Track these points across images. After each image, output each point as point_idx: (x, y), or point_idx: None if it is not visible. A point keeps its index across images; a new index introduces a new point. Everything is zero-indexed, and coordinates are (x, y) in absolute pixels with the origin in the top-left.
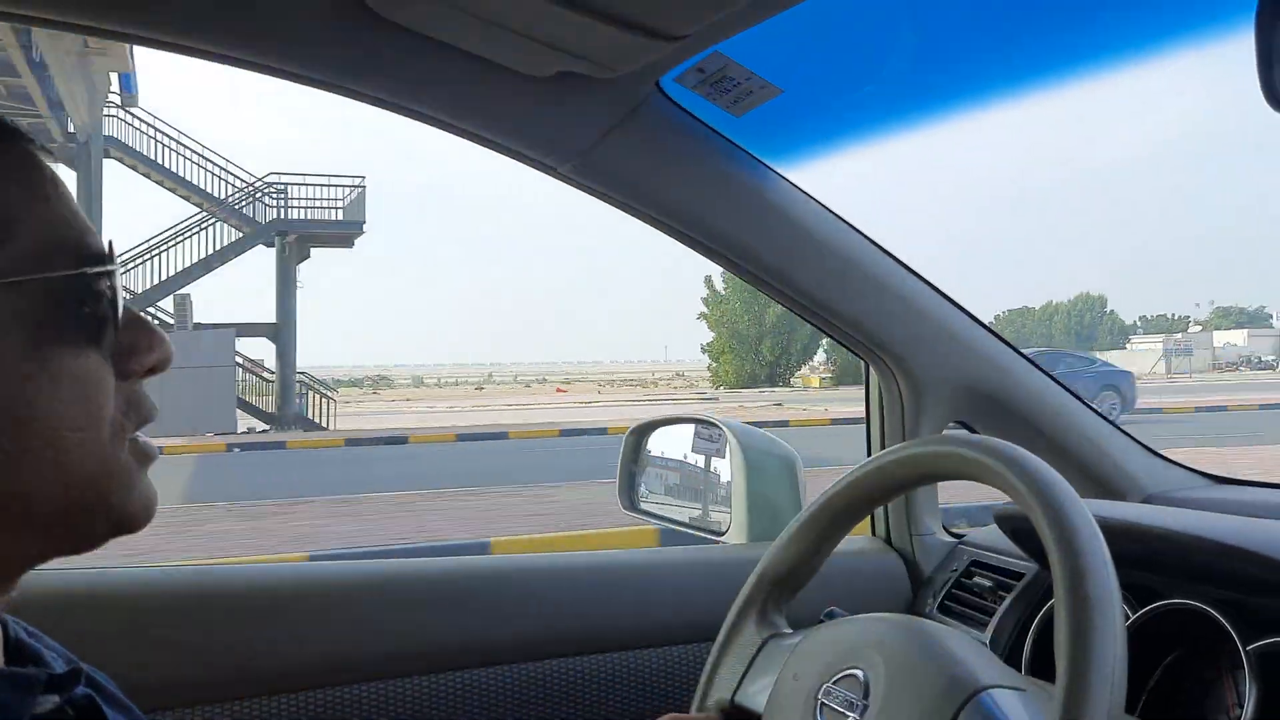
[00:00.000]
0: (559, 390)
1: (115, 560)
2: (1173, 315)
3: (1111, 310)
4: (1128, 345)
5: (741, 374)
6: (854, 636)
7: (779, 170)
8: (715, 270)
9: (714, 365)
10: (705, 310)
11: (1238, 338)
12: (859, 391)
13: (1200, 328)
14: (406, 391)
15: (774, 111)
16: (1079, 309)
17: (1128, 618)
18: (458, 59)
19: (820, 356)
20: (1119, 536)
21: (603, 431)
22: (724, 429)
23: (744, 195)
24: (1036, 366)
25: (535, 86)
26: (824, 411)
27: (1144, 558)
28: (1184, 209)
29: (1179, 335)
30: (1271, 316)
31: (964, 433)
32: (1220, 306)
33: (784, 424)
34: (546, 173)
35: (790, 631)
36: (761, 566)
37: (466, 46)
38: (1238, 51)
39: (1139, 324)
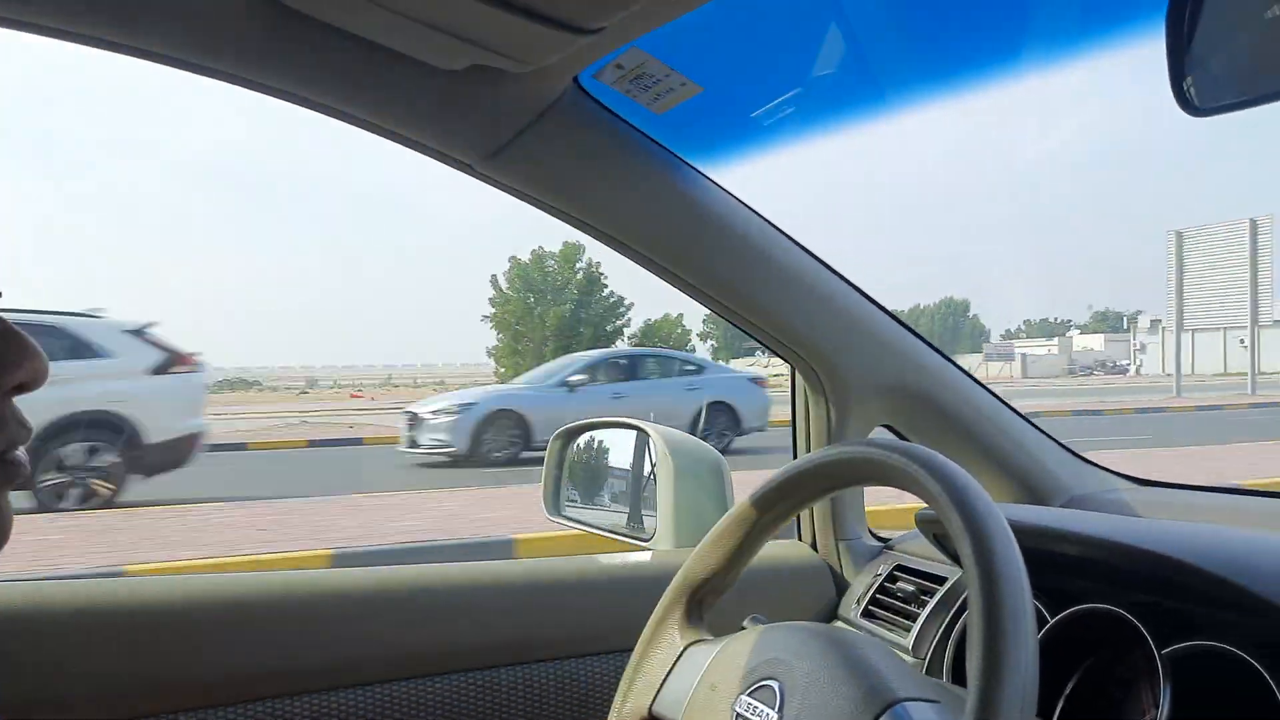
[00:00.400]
0: (353, 395)
1: None
2: (1055, 319)
3: (974, 315)
4: (983, 349)
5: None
6: (773, 646)
7: (703, 170)
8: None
9: (499, 369)
10: (491, 311)
11: (1095, 342)
12: None
13: (1078, 331)
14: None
15: (697, 110)
16: (943, 313)
17: (1047, 621)
18: (364, 50)
19: None
20: (1037, 541)
21: (358, 442)
22: (651, 433)
23: (666, 195)
24: (963, 371)
25: (447, 80)
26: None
27: (1063, 562)
28: (1074, 217)
29: (998, 340)
30: (1138, 319)
31: (885, 437)
32: (1097, 311)
33: None
34: (460, 169)
35: (710, 639)
36: (682, 574)
37: (373, 38)
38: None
39: (1023, 328)
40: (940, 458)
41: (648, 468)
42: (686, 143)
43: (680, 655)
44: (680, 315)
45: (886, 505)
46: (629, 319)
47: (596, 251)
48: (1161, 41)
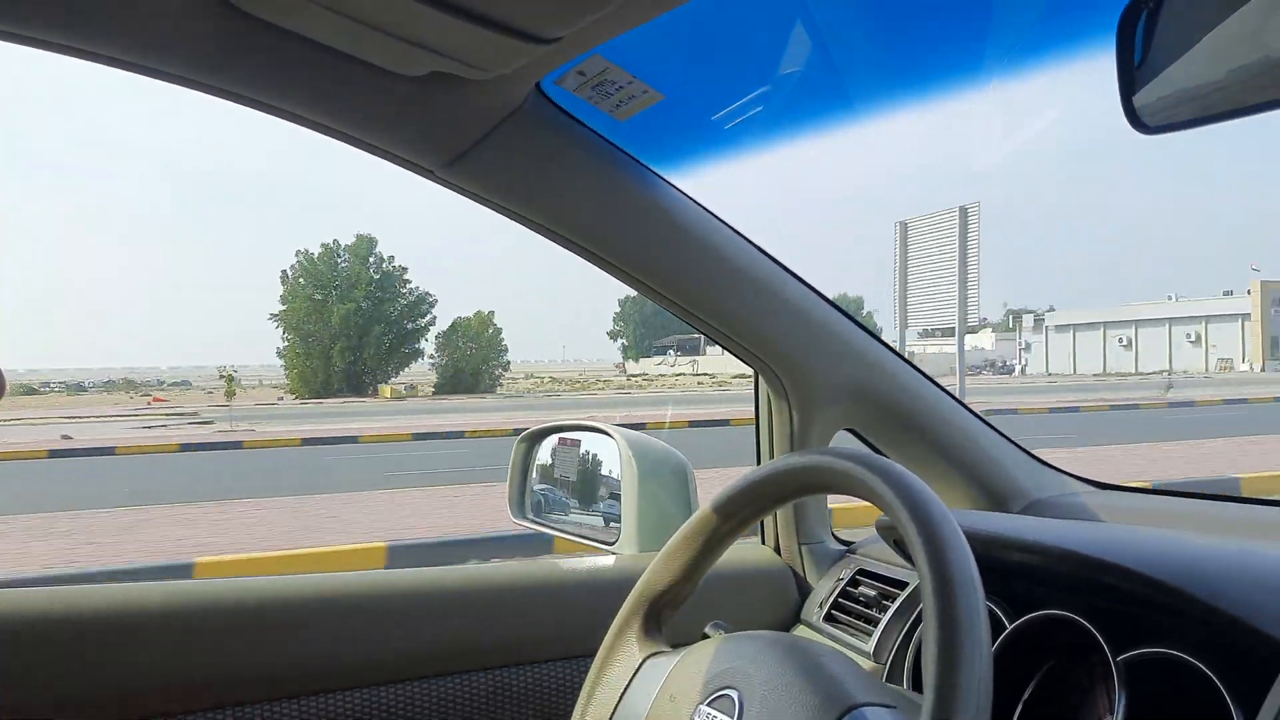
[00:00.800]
0: (156, 399)
1: None
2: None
3: (868, 312)
4: None
5: (312, 381)
6: (731, 655)
7: (666, 176)
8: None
9: (288, 373)
10: (281, 309)
11: (986, 341)
12: (441, 403)
13: (990, 329)
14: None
15: (660, 116)
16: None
17: (1005, 627)
18: (322, 55)
19: (423, 364)
20: (995, 549)
21: (110, 452)
22: (615, 437)
23: (629, 201)
24: (925, 376)
25: (407, 85)
26: (290, 432)
27: (1021, 568)
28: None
29: (891, 340)
30: (1023, 318)
31: (844, 446)
32: (1011, 309)
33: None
34: (422, 174)
35: (670, 650)
36: (640, 586)
37: (331, 43)
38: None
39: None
40: (897, 468)
41: (612, 471)
42: (650, 148)
43: (639, 667)
44: (492, 313)
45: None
46: (433, 317)
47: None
48: (1112, 58)
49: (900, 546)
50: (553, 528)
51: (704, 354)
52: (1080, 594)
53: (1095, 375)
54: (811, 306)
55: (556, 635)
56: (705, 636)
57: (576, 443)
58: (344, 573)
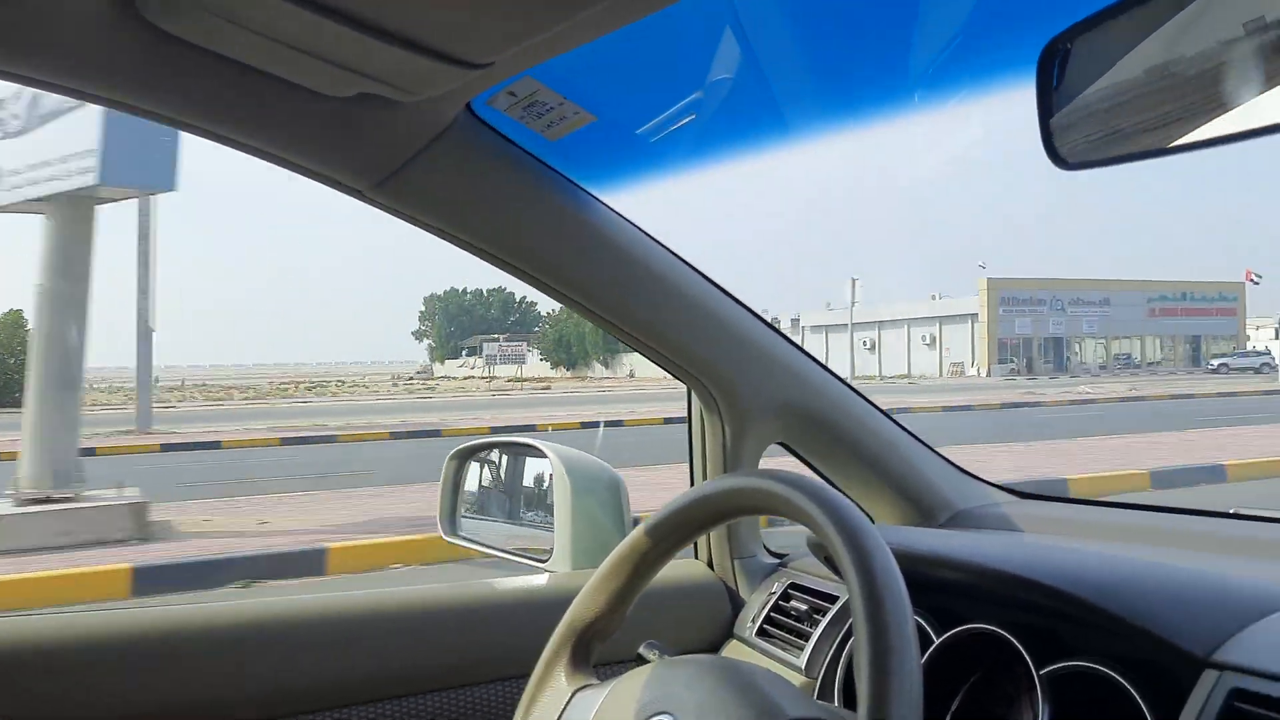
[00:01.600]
0: None
1: None
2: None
3: None
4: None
5: None
6: (664, 681)
7: (598, 195)
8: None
9: None
10: None
11: None
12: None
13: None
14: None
15: (592, 136)
16: None
17: (933, 641)
18: (247, 76)
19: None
20: (921, 565)
21: None
22: (548, 452)
23: (561, 219)
24: (854, 391)
25: (334, 106)
26: None
27: (947, 584)
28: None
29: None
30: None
31: (774, 469)
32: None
33: None
34: (351, 195)
35: (598, 683)
36: (569, 616)
37: (255, 64)
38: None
39: None
40: (827, 490)
41: (544, 487)
42: (582, 167)
43: (569, 702)
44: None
45: None
46: None
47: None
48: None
49: (831, 562)
50: (484, 546)
51: (493, 357)
52: (1005, 608)
53: (855, 379)
54: (743, 322)
55: (491, 657)
56: (639, 657)
57: (509, 459)
58: (271, 598)
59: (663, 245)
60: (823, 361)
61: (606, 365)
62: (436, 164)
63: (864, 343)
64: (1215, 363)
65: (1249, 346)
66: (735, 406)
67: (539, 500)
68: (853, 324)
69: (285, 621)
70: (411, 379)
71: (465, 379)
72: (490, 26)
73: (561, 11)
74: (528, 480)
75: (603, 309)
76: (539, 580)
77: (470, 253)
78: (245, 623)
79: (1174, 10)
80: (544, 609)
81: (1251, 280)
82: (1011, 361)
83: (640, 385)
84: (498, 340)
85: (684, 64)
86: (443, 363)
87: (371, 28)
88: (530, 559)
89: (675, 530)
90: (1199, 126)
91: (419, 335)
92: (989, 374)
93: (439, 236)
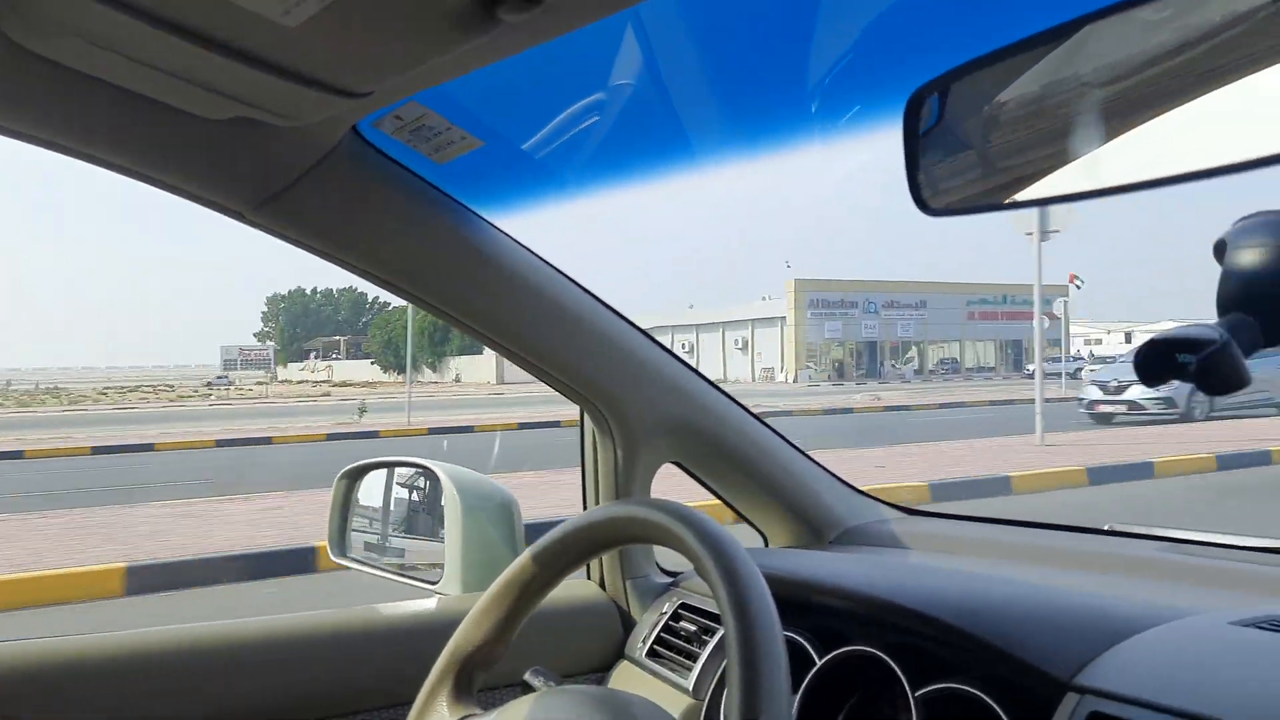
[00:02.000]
0: None
1: None
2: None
3: None
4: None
5: None
6: (545, 710)
7: (490, 218)
8: None
9: None
10: None
11: None
12: None
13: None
14: None
15: (484, 159)
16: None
17: (815, 663)
18: (121, 98)
19: None
20: (802, 590)
21: None
22: (438, 472)
23: (451, 242)
24: (744, 408)
25: (211, 129)
26: None
27: (830, 607)
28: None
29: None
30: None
31: (653, 498)
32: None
33: None
34: (231, 216)
35: (481, 713)
36: (452, 644)
37: (128, 86)
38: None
39: None
40: (702, 517)
41: (436, 508)
42: (472, 190)
43: None
44: None
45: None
46: None
47: None
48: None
49: None
50: (374, 567)
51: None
52: (885, 630)
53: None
54: (634, 343)
55: (379, 684)
56: (524, 683)
57: (400, 479)
58: (154, 628)
59: (554, 267)
60: (714, 380)
61: (434, 369)
62: (320, 186)
63: (683, 345)
64: (1031, 368)
65: (1073, 352)
66: (627, 427)
67: (430, 521)
68: (674, 327)
69: (167, 650)
70: (210, 385)
71: (299, 383)
72: (368, 57)
73: (440, 45)
74: (418, 500)
75: (491, 330)
76: (428, 604)
77: (356, 274)
78: (127, 653)
79: (1033, 63)
80: (432, 634)
81: (1075, 284)
82: (809, 367)
83: (464, 391)
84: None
85: (573, 89)
86: (285, 365)
87: (246, 56)
88: (420, 581)
89: (559, 557)
90: (1059, 179)
91: (261, 337)
92: (795, 379)
93: (323, 259)
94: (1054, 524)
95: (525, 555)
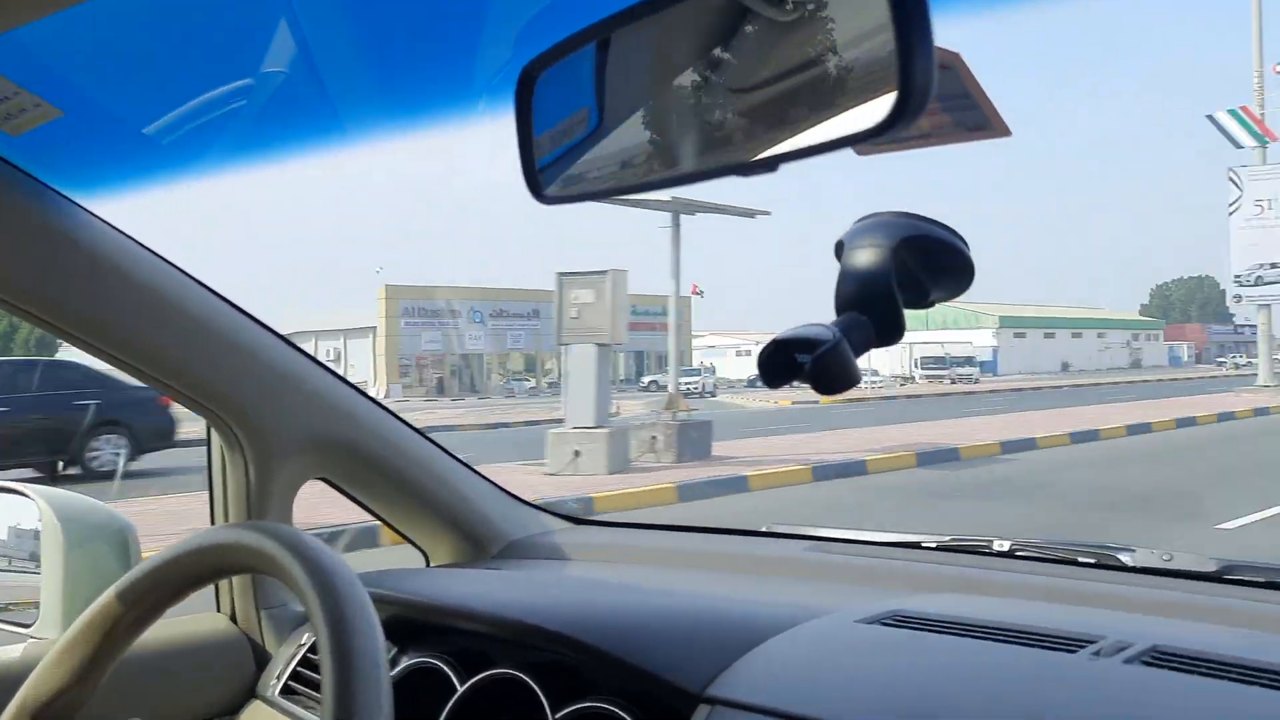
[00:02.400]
0: None
1: None
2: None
3: None
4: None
5: None
6: None
7: (82, 202)
8: None
9: None
10: None
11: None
12: None
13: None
14: None
15: (74, 133)
16: None
17: (457, 689)
18: None
19: None
20: (436, 615)
21: None
22: (35, 498)
23: (28, 228)
24: (398, 418)
25: None
26: None
27: (475, 630)
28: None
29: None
30: None
31: (266, 522)
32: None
33: None
34: None
35: None
36: (22, 695)
37: None
38: None
39: None
40: (314, 545)
41: (31, 539)
42: (59, 168)
43: None
44: None
45: None
46: None
47: None
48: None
49: None
50: None
51: None
52: (528, 651)
53: None
54: (269, 349)
55: None
56: None
57: None
58: None
59: (170, 262)
60: (362, 389)
61: None
62: None
63: (327, 352)
64: (646, 380)
65: (696, 363)
66: (260, 443)
67: (24, 554)
68: (317, 333)
69: None
70: None
71: None
72: None
73: None
74: (10, 531)
75: (87, 333)
76: (13, 652)
77: None
78: None
79: (632, 47)
80: (17, 685)
81: (696, 294)
82: (403, 380)
83: None
84: None
85: (184, 57)
86: None
87: None
88: (11, 624)
89: (153, 591)
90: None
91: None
92: (386, 394)
93: None
94: (718, 528)
95: (110, 593)
